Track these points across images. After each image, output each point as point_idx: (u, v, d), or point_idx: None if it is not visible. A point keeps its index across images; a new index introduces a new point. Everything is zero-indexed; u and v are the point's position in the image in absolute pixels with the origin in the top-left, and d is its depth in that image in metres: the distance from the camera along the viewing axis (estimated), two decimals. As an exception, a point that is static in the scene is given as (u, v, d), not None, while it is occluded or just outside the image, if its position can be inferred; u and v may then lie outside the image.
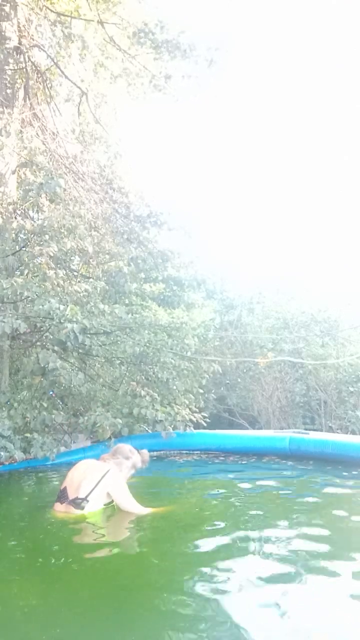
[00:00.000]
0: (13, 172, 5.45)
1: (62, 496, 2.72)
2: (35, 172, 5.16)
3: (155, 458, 5.29)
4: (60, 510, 2.67)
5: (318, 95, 17.58)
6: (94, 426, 4.67)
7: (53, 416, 4.69)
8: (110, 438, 4.73)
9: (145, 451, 3.17)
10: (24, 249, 4.96)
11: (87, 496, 2.64)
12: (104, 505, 2.72)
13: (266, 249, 9.66)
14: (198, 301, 7.71)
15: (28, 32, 5.86)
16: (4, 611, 1.64)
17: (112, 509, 2.73)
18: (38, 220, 5.20)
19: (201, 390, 5.78)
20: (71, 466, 2.94)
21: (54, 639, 1.44)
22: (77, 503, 2.62)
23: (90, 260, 5.84)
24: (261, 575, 1.82)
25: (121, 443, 3.20)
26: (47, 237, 4.73)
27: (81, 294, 4.59)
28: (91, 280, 5.51)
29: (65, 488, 2.74)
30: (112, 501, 2.74)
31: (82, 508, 2.61)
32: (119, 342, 5.32)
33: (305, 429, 6.48)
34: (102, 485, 2.69)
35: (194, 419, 4.80)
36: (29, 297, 4.27)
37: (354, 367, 7.09)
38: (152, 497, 3.12)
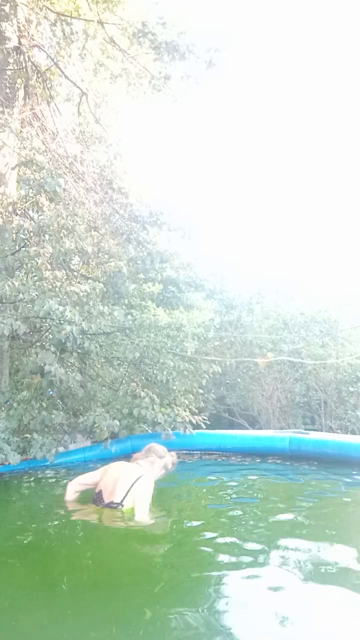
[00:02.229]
0: (13, 169, 5.44)
1: (97, 499, 2.79)
2: (35, 171, 5.15)
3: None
4: (95, 513, 2.72)
5: (318, 95, 17.59)
6: (93, 426, 4.67)
7: (53, 416, 4.67)
8: (107, 439, 4.73)
9: (174, 453, 3.22)
10: (23, 248, 4.95)
11: (122, 500, 2.70)
12: None
13: (265, 249, 9.66)
14: (198, 302, 7.71)
15: (28, 32, 5.85)
16: (5, 609, 1.63)
17: None
18: (38, 220, 5.19)
19: (201, 391, 5.77)
20: (102, 464, 3.03)
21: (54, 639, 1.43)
22: (113, 507, 2.69)
23: (90, 260, 5.83)
24: (261, 578, 1.82)
25: (153, 443, 3.24)
26: (46, 237, 4.73)
27: (81, 295, 4.59)
28: (90, 280, 5.50)
29: (100, 492, 2.81)
30: None
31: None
32: (118, 343, 5.31)
33: (306, 429, 6.48)
34: (133, 491, 2.75)
35: (194, 421, 4.80)
36: (27, 298, 4.26)
37: (354, 367, 7.09)
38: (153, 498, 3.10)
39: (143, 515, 2.62)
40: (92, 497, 2.86)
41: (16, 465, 4.38)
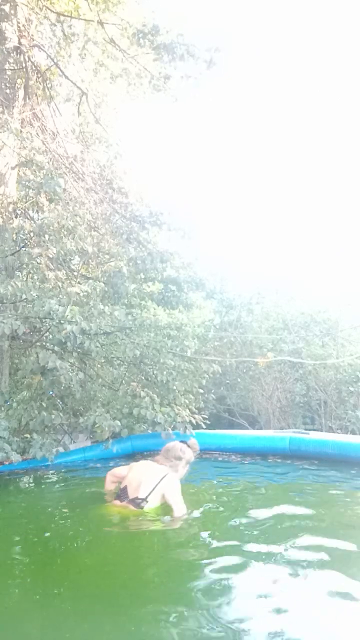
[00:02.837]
0: (13, 169, 5.44)
1: (122, 495, 2.87)
2: (35, 171, 5.15)
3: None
4: (121, 508, 2.81)
5: (318, 95, 17.58)
6: (93, 426, 4.66)
7: (53, 416, 4.67)
8: (108, 439, 4.73)
9: (193, 440, 3.28)
10: (23, 249, 4.95)
11: (146, 497, 2.79)
12: (161, 505, 2.84)
13: (265, 249, 9.66)
14: (198, 301, 7.70)
15: (28, 32, 5.85)
16: (6, 610, 1.63)
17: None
18: (38, 220, 5.19)
19: (201, 391, 5.77)
20: (128, 462, 3.13)
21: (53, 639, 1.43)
22: (137, 503, 2.77)
23: (90, 260, 5.83)
24: (260, 578, 1.82)
25: (171, 442, 3.27)
26: (46, 237, 4.72)
27: (81, 295, 4.59)
28: (91, 280, 5.50)
29: (125, 487, 2.90)
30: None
31: (142, 508, 2.75)
32: (118, 343, 5.31)
33: (306, 429, 6.48)
34: (159, 488, 2.83)
35: (194, 421, 4.80)
36: (27, 298, 4.27)
37: (354, 367, 7.09)
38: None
39: (181, 510, 2.72)
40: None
41: (16, 465, 4.38)
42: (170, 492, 2.82)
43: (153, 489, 2.81)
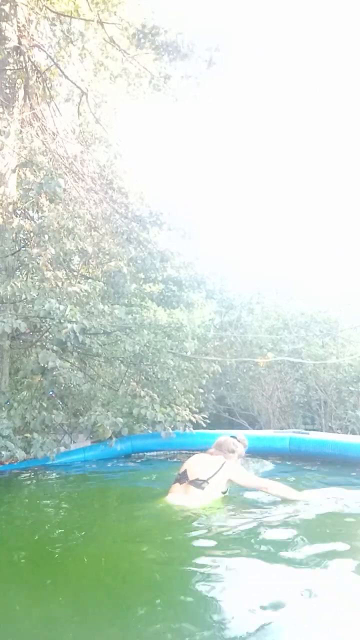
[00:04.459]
0: (13, 171, 5.44)
1: (182, 477, 2.92)
2: (35, 172, 5.15)
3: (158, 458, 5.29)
4: (179, 490, 2.88)
5: (318, 95, 17.59)
6: (94, 426, 4.67)
7: (53, 416, 4.68)
8: (111, 437, 4.73)
9: (242, 435, 3.35)
10: (23, 249, 4.95)
11: (208, 479, 2.86)
12: (222, 492, 2.93)
13: (266, 249, 9.66)
14: (198, 301, 7.70)
15: (28, 32, 5.85)
16: (6, 609, 1.63)
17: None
18: (38, 220, 5.19)
19: (201, 390, 5.77)
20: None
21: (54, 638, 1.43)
22: (198, 484, 2.84)
23: (90, 260, 5.83)
24: (262, 578, 1.82)
25: (222, 437, 3.33)
26: (46, 237, 4.73)
27: (81, 294, 4.59)
28: (90, 280, 5.50)
29: (185, 471, 2.96)
30: (227, 491, 2.97)
31: (203, 488, 2.83)
32: (118, 342, 5.31)
33: (306, 429, 6.48)
34: (222, 472, 2.92)
35: (194, 420, 4.80)
36: (27, 298, 4.27)
37: (354, 367, 7.09)
38: (153, 498, 3.11)
39: (257, 482, 2.95)
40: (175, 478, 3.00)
41: (17, 465, 4.39)
42: (241, 478, 2.95)
43: (215, 473, 2.89)
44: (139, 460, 5.17)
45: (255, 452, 4.99)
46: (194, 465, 2.99)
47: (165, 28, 6.15)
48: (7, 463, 4.35)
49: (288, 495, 2.90)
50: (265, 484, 2.94)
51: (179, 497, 2.82)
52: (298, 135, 16.68)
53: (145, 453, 5.40)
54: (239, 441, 3.26)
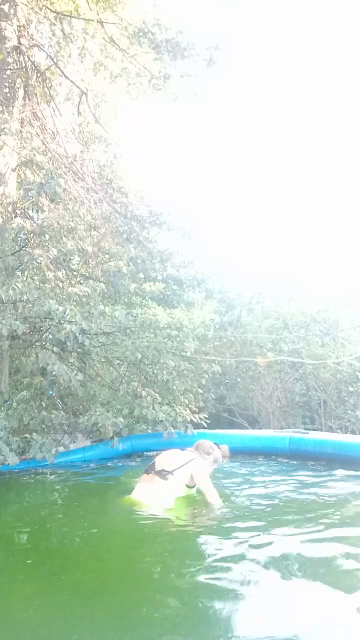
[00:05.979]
0: (13, 170, 5.44)
1: (150, 468, 3.08)
2: (35, 172, 5.14)
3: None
4: (146, 480, 3.03)
5: (318, 95, 17.58)
6: (94, 426, 4.66)
7: (53, 416, 4.67)
8: (113, 437, 4.72)
9: (225, 447, 3.43)
10: (24, 249, 4.94)
11: (173, 471, 2.99)
12: (187, 486, 3.05)
13: (266, 249, 9.65)
14: (198, 301, 7.71)
15: (28, 32, 5.85)
16: (6, 609, 1.63)
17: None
18: (38, 220, 5.19)
19: (201, 391, 5.77)
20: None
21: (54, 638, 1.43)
22: (163, 475, 2.97)
23: (90, 260, 5.83)
24: (263, 578, 1.82)
25: (202, 440, 3.43)
26: (47, 237, 4.72)
27: (81, 295, 4.59)
28: (91, 281, 5.50)
29: (154, 462, 3.11)
30: (194, 487, 3.07)
31: (167, 479, 2.96)
32: (118, 343, 5.31)
33: (306, 429, 6.47)
34: (187, 467, 3.03)
35: (195, 420, 4.80)
36: (28, 299, 4.26)
37: (354, 367, 7.08)
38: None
39: (214, 496, 2.95)
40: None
41: (16, 465, 4.38)
42: (200, 477, 3.02)
43: (181, 466, 3.00)
44: (139, 460, 5.17)
45: (256, 452, 5.00)
46: (164, 458, 3.12)
47: (166, 27, 6.14)
48: (6, 463, 4.34)
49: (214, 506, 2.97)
50: (212, 495, 2.98)
51: (143, 490, 2.95)
52: (298, 135, 16.66)
53: (144, 453, 5.40)
54: (219, 448, 3.33)
